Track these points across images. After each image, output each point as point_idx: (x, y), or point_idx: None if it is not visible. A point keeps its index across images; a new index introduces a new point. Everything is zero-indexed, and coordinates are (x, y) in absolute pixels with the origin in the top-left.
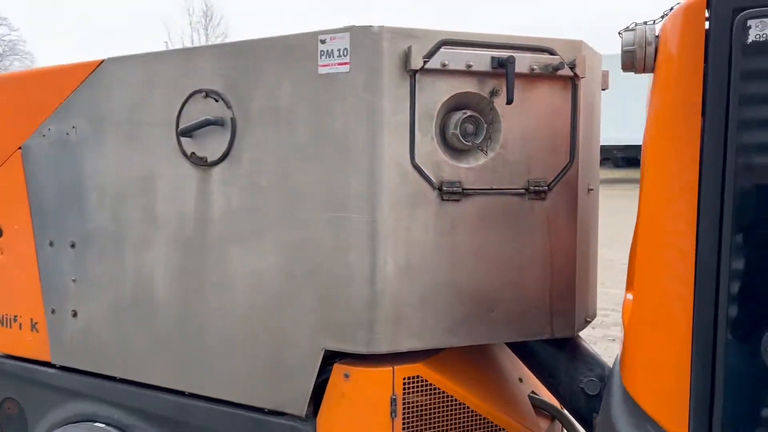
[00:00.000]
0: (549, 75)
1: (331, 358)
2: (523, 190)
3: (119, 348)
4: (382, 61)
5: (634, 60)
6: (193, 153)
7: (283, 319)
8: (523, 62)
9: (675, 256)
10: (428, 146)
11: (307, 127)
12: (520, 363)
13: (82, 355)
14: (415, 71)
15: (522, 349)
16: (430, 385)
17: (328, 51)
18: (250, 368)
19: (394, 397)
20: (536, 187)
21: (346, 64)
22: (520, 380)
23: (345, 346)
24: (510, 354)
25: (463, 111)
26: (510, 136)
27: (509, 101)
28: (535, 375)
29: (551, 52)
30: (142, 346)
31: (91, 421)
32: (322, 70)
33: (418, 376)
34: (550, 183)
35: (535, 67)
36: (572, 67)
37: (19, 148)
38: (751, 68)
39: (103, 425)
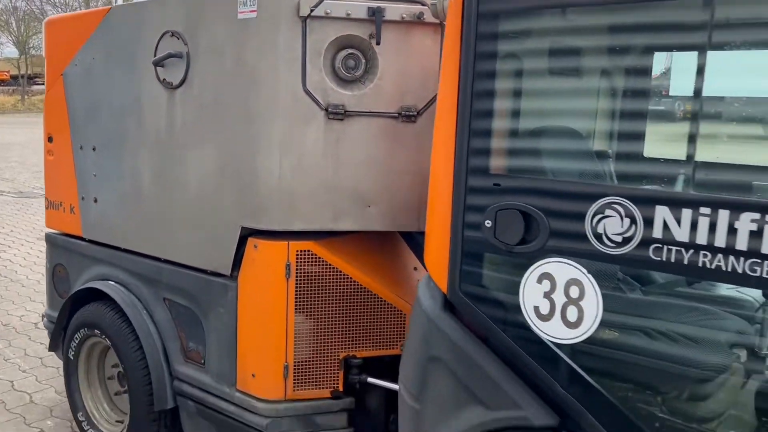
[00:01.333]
0: (419, 22)
1: (249, 234)
2: (396, 114)
3: (122, 226)
4: (280, 9)
5: (437, 11)
6: (164, 79)
7: (218, 205)
8: (396, 12)
9: (442, 164)
10: (317, 76)
11: (232, 61)
12: None
13: (101, 231)
14: (305, 17)
15: (411, 241)
16: (320, 258)
17: (244, 1)
18: (198, 240)
19: (288, 263)
20: (407, 113)
21: (254, 11)
22: (415, 269)
23: (254, 224)
24: (407, 247)
25: (347, 49)
26: (386, 71)
27: (377, 42)
28: (421, 263)
29: (422, 3)
30: (135, 225)
31: (106, 279)
32: (240, 16)
33: (308, 251)
34: (420, 110)
35: (405, 15)
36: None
37: (62, 74)
38: (482, 27)
39: (113, 282)
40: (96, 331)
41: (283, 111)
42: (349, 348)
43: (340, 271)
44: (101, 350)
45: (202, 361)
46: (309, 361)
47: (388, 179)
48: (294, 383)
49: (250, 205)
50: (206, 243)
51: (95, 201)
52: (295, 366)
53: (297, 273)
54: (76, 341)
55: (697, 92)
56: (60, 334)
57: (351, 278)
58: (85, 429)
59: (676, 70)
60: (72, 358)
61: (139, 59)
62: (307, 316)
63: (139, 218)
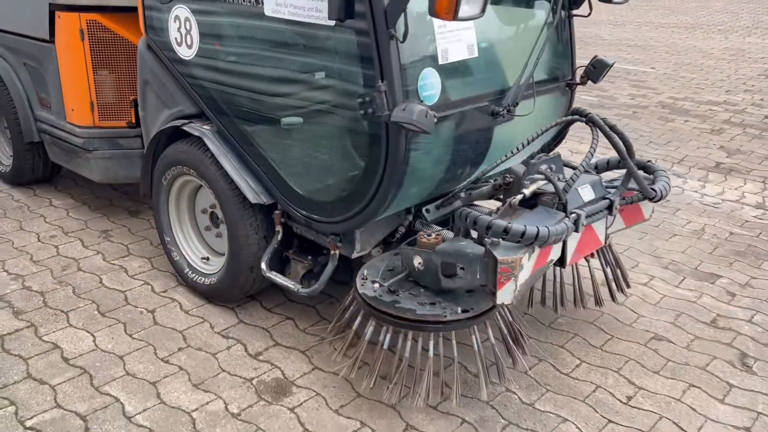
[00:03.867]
0: None
1: (56, 9)
2: None
3: None
4: None
5: None
6: None
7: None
8: None
9: None
10: None
11: None
12: None
13: None
14: None
15: None
16: (105, 27)
17: None
18: (30, 15)
19: (81, 29)
20: None
21: None
22: None
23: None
24: None
25: None
26: None
27: None
28: None
29: None
30: (2, 11)
31: None
32: None
33: (95, 20)
34: None
35: None
36: None
37: None
38: None
39: None
40: None
41: None
42: (136, 93)
43: (122, 37)
44: None
45: (49, 105)
46: (109, 100)
47: None
48: (99, 115)
49: None
50: (34, 17)
51: None
52: (98, 104)
53: (90, 37)
54: None
55: None
56: None
57: (132, 42)
58: None
59: None
60: None
61: None
62: (102, 69)
63: (3, 5)
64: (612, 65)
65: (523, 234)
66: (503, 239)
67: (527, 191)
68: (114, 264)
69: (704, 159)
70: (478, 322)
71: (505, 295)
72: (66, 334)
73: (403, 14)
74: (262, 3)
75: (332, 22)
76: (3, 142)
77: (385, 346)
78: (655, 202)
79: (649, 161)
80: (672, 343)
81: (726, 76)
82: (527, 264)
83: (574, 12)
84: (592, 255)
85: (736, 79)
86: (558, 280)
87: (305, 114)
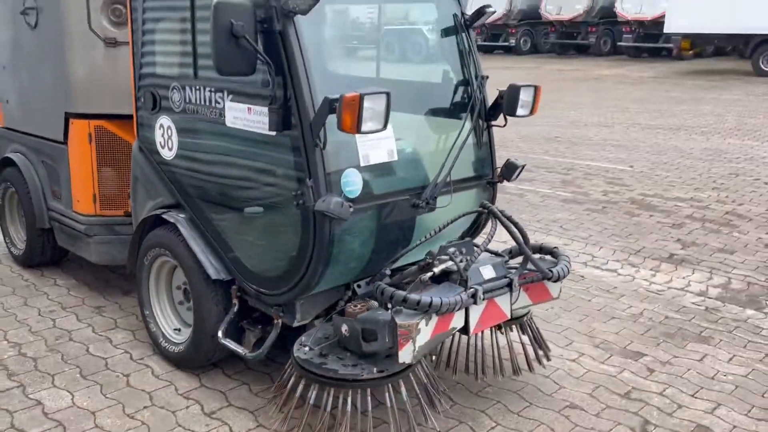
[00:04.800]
0: None
1: (70, 116)
2: None
3: (19, 117)
4: None
5: None
6: (27, 22)
7: (55, 99)
8: None
9: (131, 70)
10: (97, 20)
11: (52, 14)
12: None
13: (10, 120)
14: None
15: None
16: (110, 131)
17: None
18: (49, 122)
19: (90, 134)
20: None
21: None
22: None
23: (70, 109)
24: None
25: (115, 4)
26: None
27: None
28: None
29: None
30: (24, 116)
31: (16, 152)
32: None
33: (102, 126)
34: None
35: None
36: None
37: None
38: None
39: (18, 153)
40: (9, 184)
41: (78, 41)
42: None
43: (123, 139)
44: (11, 195)
45: (60, 197)
46: (109, 193)
47: None
48: (101, 206)
49: (68, 98)
50: (53, 123)
51: (7, 102)
52: (100, 196)
53: (97, 140)
54: (1, 191)
55: None
56: None
57: (130, 144)
58: (9, 247)
59: None
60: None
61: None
62: (105, 166)
63: (24, 113)
64: (523, 167)
65: (418, 303)
66: (404, 307)
67: (436, 269)
68: (101, 335)
69: (660, 250)
70: (393, 381)
71: (405, 354)
72: (49, 393)
73: (323, 127)
74: (224, 117)
75: (273, 132)
76: (19, 228)
77: (312, 402)
78: (554, 281)
79: (555, 247)
80: (584, 410)
81: (698, 174)
82: (425, 329)
83: (493, 123)
84: (516, 330)
85: (707, 177)
86: (479, 350)
87: (253, 203)
